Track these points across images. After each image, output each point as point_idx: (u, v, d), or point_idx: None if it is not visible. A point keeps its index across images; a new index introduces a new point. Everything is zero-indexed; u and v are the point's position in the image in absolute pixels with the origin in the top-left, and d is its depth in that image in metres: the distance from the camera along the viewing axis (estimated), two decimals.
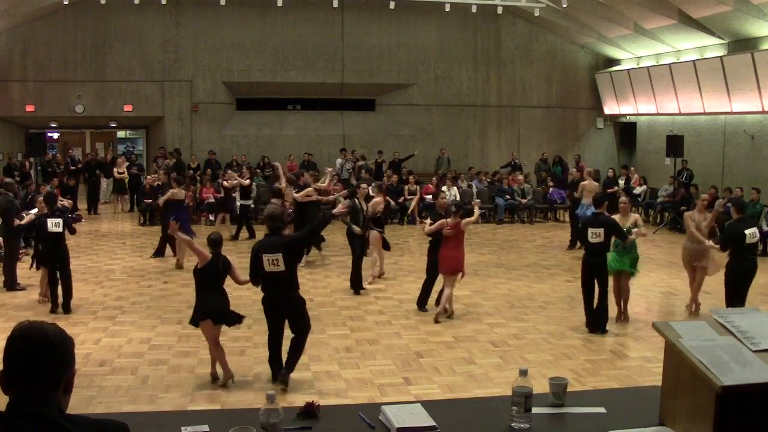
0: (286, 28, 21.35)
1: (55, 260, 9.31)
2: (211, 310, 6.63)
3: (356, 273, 10.57)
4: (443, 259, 8.93)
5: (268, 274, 6.39)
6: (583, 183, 14.04)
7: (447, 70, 22.59)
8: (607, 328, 8.58)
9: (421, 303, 9.49)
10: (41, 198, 11.49)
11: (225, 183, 15.78)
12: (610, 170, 19.10)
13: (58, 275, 9.31)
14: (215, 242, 6.77)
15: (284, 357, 6.63)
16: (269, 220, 6.57)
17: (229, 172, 16.64)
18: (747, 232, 8.34)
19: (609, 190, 15.74)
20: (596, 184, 14.10)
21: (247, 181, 15.85)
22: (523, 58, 22.98)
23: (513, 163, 21.12)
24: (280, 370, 6.56)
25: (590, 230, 8.47)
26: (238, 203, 15.53)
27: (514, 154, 21.92)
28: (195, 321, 6.76)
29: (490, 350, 7.88)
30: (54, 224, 9.25)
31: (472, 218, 9.40)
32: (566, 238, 14.95)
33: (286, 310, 6.56)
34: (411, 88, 22.45)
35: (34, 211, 11.48)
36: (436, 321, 8.93)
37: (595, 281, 8.51)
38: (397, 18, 21.47)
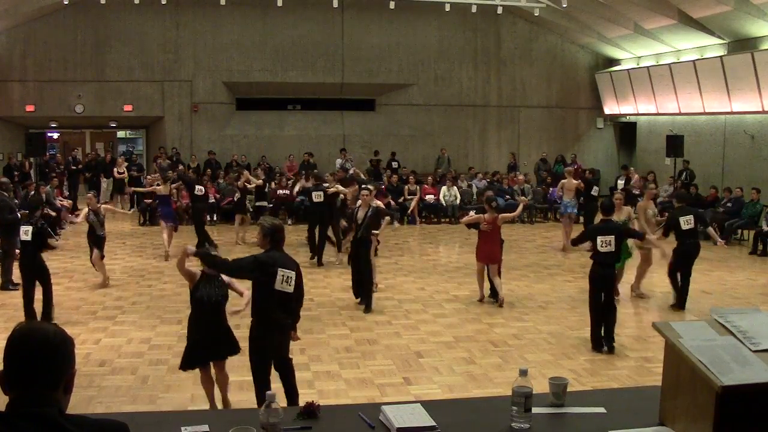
0: (286, 28, 21.35)
1: (30, 272, 8.52)
2: None
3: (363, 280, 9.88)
4: (480, 251, 9.67)
5: (277, 294, 5.35)
6: (562, 181, 14.59)
7: (447, 70, 22.58)
8: None
9: (495, 294, 9.89)
10: (91, 194, 10.95)
11: (239, 183, 15.76)
12: (651, 174, 18.04)
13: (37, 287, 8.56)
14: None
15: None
16: (278, 232, 5.46)
17: (245, 172, 16.44)
18: (681, 219, 9.27)
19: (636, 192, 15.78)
20: (575, 182, 14.39)
21: (261, 182, 15.92)
22: (523, 58, 22.98)
23: (511, 164, 21.16)
24: None
25: (600, 239, 7.80)
26: (250, 205, 15.51)
27: (512, 154, 21.93)
28: None
29: (490, 350, 7.88)
30: (24, 232, 8.49)
31: (509, 215, 10.17)
32: None
33: (287, 340, 5.68)
34: (411, 88, 22.44)
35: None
36: (501, 305, 9.60)
37: (603, 294, 7.87)
38: (397, 18, 21.46)
